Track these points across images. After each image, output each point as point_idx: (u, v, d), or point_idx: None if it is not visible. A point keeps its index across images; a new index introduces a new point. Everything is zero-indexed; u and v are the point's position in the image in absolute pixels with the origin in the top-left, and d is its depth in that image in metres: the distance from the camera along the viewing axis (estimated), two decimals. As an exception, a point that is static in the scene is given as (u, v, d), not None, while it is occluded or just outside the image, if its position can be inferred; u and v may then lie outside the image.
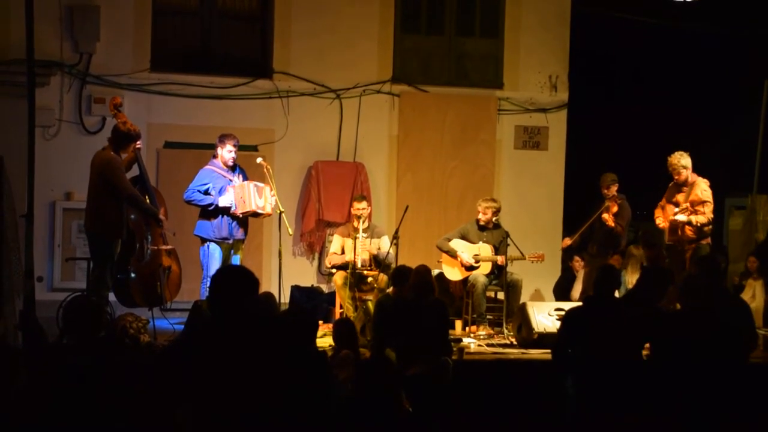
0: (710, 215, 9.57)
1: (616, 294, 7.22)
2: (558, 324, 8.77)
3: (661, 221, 9.83)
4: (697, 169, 9.88)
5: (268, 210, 9.16)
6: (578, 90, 12.54)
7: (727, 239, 15.24)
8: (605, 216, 10.04)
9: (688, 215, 9.51)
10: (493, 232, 10.14)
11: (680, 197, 9.71)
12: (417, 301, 7.58)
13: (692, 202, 9.55)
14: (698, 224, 9.50)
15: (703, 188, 9.61)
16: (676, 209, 9.63)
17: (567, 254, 11.64)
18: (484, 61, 12.21)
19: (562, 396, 6.49)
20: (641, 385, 6.19)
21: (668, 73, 16.49)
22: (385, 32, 11.81)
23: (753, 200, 14.49)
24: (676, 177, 9.73)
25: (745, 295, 11.19)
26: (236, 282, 4.73)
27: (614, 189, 10.24)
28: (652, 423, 6.06)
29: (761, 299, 11.00)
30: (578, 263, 11.32)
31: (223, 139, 9.12)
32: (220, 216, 8.99)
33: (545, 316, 8.91)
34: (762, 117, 14.30)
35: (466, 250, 10.04)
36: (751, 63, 15.10)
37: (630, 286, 9.85)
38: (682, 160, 9.68)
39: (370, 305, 8.59)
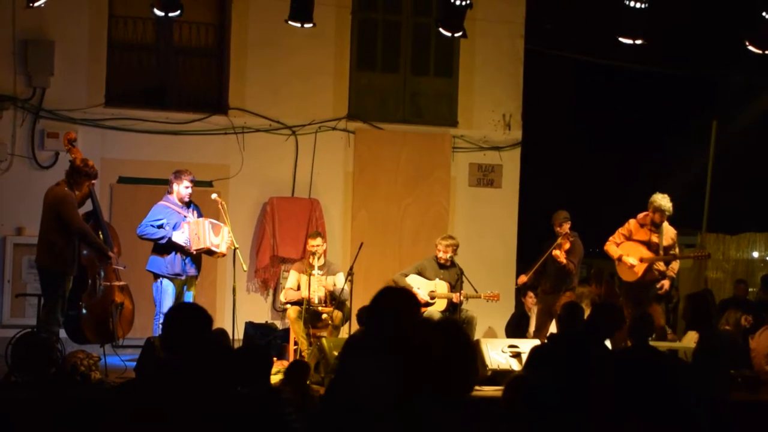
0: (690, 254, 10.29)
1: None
2: (512, 361, 8.85)
3: (632, 260, 9.87)
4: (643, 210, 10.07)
5: (223, 249, 9.12)
6: (532, 128, 12.69)
7: (677, 277, 15.45)
8: (556, 253, 10.13)
9: (668, 277, 10.01)
10: (449, 269, 10.18)
11: (654, 238, 9.87)
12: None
13: (667, 246, 9.88)
14: (675, 275, 10.21)
15: (673, 231, 10.02)
16: (670, 252, 9.93)
17: (520, 291, 11.71)
18: (438, 100, 12.34)
19: None
20: (608, 421, 6.22)
21: (620, 112, 16.74)
22: (340, 69, 11.89)
23: (702, 238, 14.73)
24: (658, 218, 9.85)
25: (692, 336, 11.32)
26: (189, 320, 4.71)
27: (567, 226, 10.33)
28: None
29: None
30: (531, 299, 11.40)
31: (179, 175, 9.09)
32: (173, 252, 8.93)
33: (498, 353, 8.94)
34: (711, 156, 14.59)
35: (422, 287, 10.07)
36: (700, 103, 15.41)
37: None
38: (669, 206, 9.89)
39: (325, 342, 8.57)
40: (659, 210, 9.84)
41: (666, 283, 9.97)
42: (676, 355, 9.17)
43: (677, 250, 10.12)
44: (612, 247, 10.02)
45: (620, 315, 7.36)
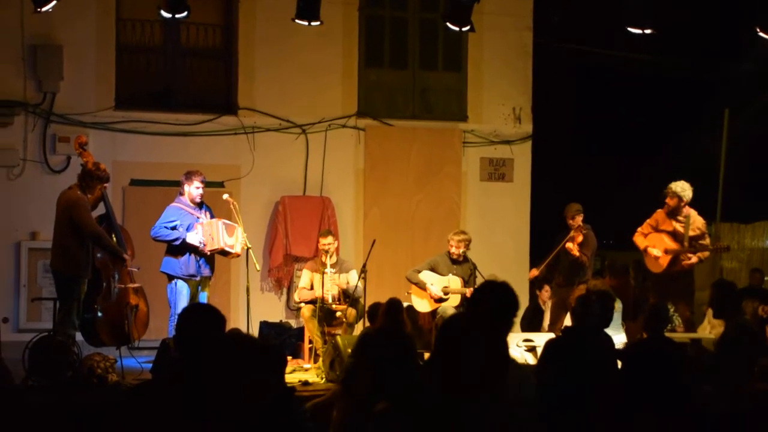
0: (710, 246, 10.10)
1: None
2: (527, 355, 8.84)
3: (656, 251, 9.87)
4: (664, 197, 10.02)
5: (238, 250, 9.14)
6: (543, 121, 12.66)
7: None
8: (569, 245, 10.11)
9: (698, 255, 9.85)
10: (462, 264, 10.18)
11: (678, 227, 9.83)
12: (385, 336, 7.58)
13: (694, 237, 9.80)
14: (704, 258, 9.98)
15: (702, 221, 9.96)
16: (686, 245, 9.80)
17: (534, 285, 11.68)
18: (447, 95, 12.33)
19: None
20: (619, 413, 6.20)
21: (631, 102, 16.68)
22: (349, 67, 11.89)
23: (716, 228, 14.65)
24: (673, 204, 9.83)
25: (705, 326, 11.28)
26: (202, 320, 4.72)
27: (579, 219, 10.31)
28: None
29: (719, 328, 11.05)
30: (546, 293, 11.37)
31: (189, 176, 9.11)
32: (187, 253, 8.95)
33: (514, 347, 8.94)
34: (723, 145, 14.51)
35: (435, 282, 10.08)
36: (712, 92, 15.32)
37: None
38: (679, 189, 9.82)
39: (339, 340, 8.58)
40: (671, 195, 9.80)
41: (694, 258, 9.84)
42: (699, 344, 9.15)
43: (707, 240, 9.99)
44: (639, 238, 10.02)
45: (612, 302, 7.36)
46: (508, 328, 4.47)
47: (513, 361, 4.77)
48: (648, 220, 10.05)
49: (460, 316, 3.83)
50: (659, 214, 9.99)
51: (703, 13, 13.93)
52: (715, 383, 6.68)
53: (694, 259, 9.82)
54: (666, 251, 9.80)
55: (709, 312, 11.26)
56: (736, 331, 7.54)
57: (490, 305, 4.35)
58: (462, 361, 3.50)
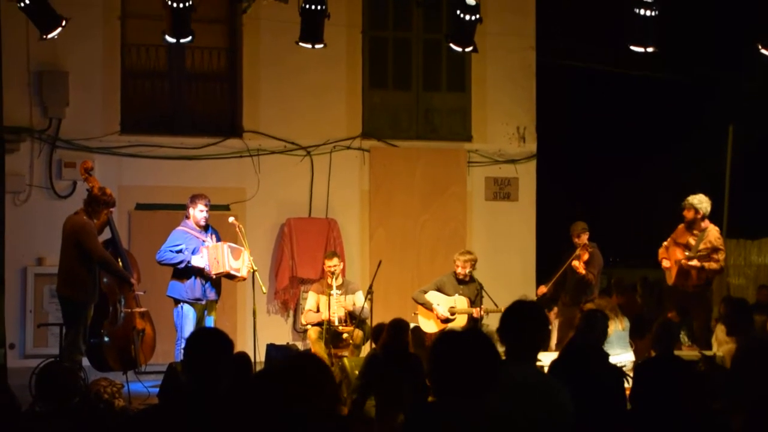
0: (723, 263, 9.97)
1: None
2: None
3: (666, 263, 9.90)
4: (669, 214, 10.02)
5: (244, 273, 9.13)
6: (547, 140, 12.65)
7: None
8: (575, 264, 10.10)
9: (702, 262, 9.71)
10: (468, 284, 10.17)
11: (691, 240, 9.82)
12: (391, 357, 7.57)
13: (706, 249, 9.73)
14: (710, 269, 9.79)
15: (716, 236, 9.90)
16: (687, 252, 9.75)
17: (548, 305, 11.64)
18: (452, 115, 12.34)
19: None
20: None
21: (635, 119, 16.69)
22: (353, 88, 11.92)
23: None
24: (689, 216, 9.83)
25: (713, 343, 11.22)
26: (211, 345, 4.72)
27: (585, 237, 10.31)
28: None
29: (727, 345, 10.98)
30: (552, 313, 11.34)
31: (194, 199, 9.13)
32: (193, 277, 8.95)
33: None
34: (728, 160, 14.50)
35: (442, 303, 10.06)
36: (716, 108, 15.33)
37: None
38: (696, 202, 9.79)
39: (346, 362, 8.56)
40: (688, 207, 9.81)
41: (695, 262, 9.77)
42: (712, 361, 9.09)
43: (720, 255, 9.87)
44: (661, 251, 10.06)
45: (637, 323, 7.33)
46: (540, 346, 4.51)
47: (542, 375, 4.79)
48: (672, 234, 10.07)
49: (455, 331, 3.91)
50: (680, 227, 10.01)
51: (706, 28, 13.96)
52: (727, 400, 6.64)
53: (694, 262, 9.73)
54: (675, 263, 9.80)
55: (718, 328, 11.20)
56: (749, 348, 7.51)
57: (522, 324, 4.38)
58: (450, 372, 3.59)
